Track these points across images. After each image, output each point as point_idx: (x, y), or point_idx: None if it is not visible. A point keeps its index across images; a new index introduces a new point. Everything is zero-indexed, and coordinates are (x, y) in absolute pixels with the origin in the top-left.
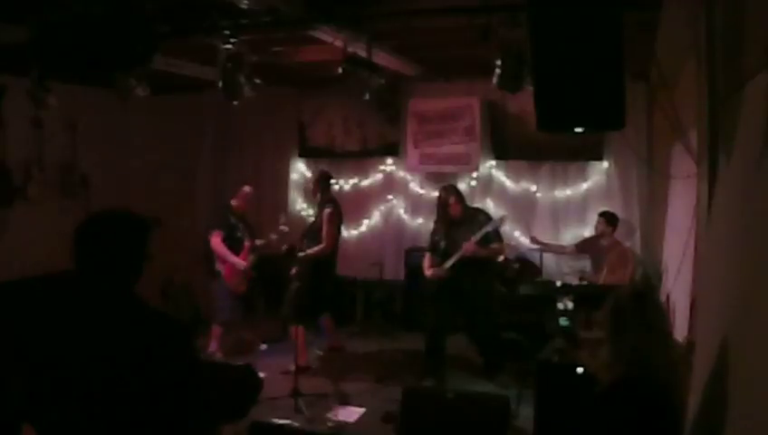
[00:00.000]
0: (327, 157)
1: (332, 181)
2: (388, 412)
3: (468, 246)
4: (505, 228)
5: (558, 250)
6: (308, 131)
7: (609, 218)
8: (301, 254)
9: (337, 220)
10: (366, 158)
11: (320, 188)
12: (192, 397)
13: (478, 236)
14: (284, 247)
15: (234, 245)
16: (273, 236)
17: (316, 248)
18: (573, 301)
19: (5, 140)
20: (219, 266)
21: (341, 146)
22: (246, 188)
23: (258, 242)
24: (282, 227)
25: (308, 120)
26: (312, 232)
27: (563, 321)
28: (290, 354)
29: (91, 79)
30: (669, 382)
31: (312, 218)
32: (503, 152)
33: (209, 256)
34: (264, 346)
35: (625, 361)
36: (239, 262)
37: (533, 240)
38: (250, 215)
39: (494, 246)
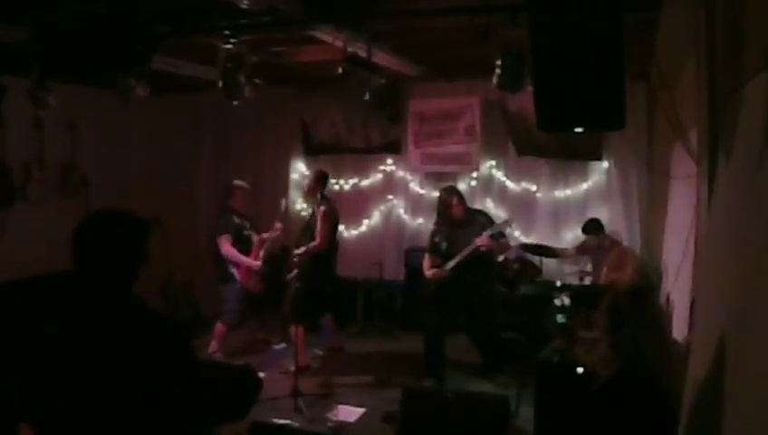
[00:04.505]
0: (332, 153)
1: (331, 181)
2: (388, 412)
3: (482, 239)
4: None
5: (560, 253)
6: (311, 130)
7: (590, 229)
8: (296, 251)
9: (331, 218)
10: (371, 154)
11: (318, 187)
12: (189, 397)
13: (490, 231)
14: (279, 246)
15: (243, 245)
16: (278, 225)
17: (310, 245)
18: (570, 297)
19: (5, 140)
20: (233, 270)
21: (346, 143)
22: (237, 182)
23: (265, 235)
24: (276, 227)
25: (310, 120)
26: (307, 230)
27: (560, 317)
28: (290, 354)
29: (91, 79)
30: (663, 377)
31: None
32: (503, 152)
33: (220, 261)
34: (282, 345)
35: (623, 354)
36: (253, 263)
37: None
38: (249, 213)
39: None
